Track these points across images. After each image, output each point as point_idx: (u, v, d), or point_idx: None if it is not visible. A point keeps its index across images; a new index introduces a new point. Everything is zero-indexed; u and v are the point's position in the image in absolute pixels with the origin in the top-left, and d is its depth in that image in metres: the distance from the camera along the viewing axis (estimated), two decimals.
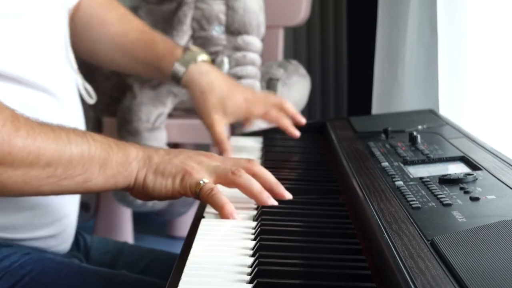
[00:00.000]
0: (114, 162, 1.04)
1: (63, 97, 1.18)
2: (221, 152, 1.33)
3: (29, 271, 1.10)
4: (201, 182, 1.03)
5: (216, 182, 1.05)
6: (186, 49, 1.36)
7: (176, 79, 1.35)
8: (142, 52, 1.36)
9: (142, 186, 1.05)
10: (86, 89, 1.28)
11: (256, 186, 1.04)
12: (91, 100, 1.29)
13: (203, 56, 1.31)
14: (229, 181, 1.05)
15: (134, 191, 1.07)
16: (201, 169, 1.05)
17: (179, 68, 1.33)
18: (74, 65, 1.25)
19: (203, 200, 1.03)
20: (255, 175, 1.06)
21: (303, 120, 1.42)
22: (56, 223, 1.19)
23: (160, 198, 1.06)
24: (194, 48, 1.36)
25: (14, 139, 0.96)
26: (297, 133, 1.38)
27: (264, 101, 1.33)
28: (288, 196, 1.06)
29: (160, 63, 1.35)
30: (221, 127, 1.35)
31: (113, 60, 1.43)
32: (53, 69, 1.18)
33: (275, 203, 1.04)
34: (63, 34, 1.21)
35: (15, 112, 0.99)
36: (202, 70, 1.32)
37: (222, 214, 1.00)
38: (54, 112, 1.16)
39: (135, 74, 1.50)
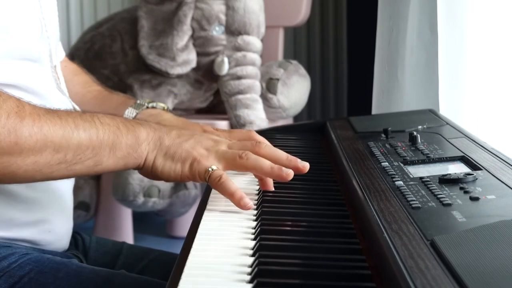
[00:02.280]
0: (123, 144, 1.06)
1: (53, 100, 1.19)
2: None
3: (28, 272, 1.10)
4: (210, 169, 1.06)
5: (226, 169, 1.07)
6: (138, 99, 1.38)
7: None
8: (99, 109, 1.37)
9: (151, 168, 1.08)
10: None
11: (265, 164, 1.06)
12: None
13: (153, 104, 1.32)
14: (238, 166, 1.07)
15: (143, 171, 1.10)
16: (209, 156, 1.07)
17: (129, 114, 1.34)
18: (60, 84, 1.25)
19: (213, 187, 1.06)
20: (263, 157, 1.07)
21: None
22: (48, 217, 1.19)
23: (169, 180, 1.10)
24: (147, 99, 1.37)
25: (20, 129, 0.97)
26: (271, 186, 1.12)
27: (229, 134, 1.23)
28: (304, 166, 1.08)
29: (114, 113, 1.34)
30: None
31: None
32: (40, 76, 1.18)
33: (291, 173, 1.06)
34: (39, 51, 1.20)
35: (20, 100, 1.00)
36: (152, 112, 1.33)
37: (233, 200, 1.02)
38: None
39: None
